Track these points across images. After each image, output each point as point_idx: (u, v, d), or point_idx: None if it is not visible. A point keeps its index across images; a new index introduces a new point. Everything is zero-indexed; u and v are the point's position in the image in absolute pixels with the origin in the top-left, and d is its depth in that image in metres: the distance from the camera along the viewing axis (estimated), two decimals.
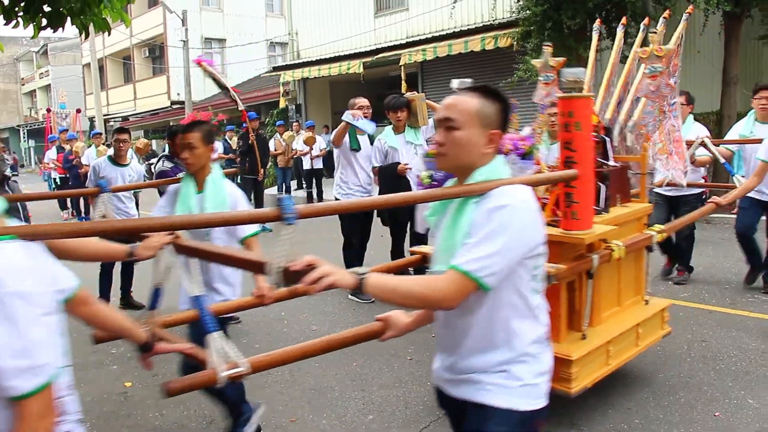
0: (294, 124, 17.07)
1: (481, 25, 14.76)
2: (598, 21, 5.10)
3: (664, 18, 4.59)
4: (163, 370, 4.86)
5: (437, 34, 15.66)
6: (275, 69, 21.45)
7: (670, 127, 4.54)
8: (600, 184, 3.88)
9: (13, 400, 1.50)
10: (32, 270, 1.57)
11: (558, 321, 3.52)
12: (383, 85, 19.60)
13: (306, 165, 15.00)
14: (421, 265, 3.61)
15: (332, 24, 19.43)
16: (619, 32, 4.89)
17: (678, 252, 6.75)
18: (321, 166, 15.18)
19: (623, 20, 5.06)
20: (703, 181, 6.74)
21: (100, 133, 14.30)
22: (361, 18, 18.56)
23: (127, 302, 6.86)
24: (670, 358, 4.73)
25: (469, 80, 3.94)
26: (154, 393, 4.58)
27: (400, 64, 15.68)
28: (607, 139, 4.15)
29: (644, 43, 4.53)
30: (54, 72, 42.58)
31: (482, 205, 1.92)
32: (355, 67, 17.05)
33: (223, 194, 3.58)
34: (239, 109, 8.82)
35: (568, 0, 10.83)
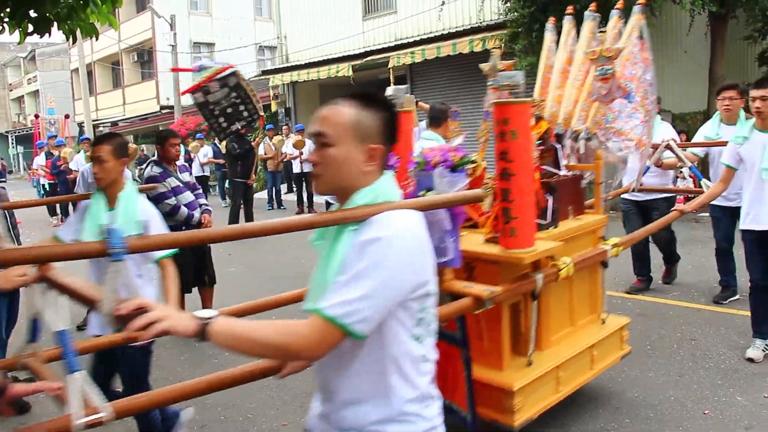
0: (284, 127, 17.06)
1: (468, 27, 14.79)
2: (551, 20, 4.68)
3: (618, 9, 4.26)
4: (154, 376, 4.85)
5: (425, 37, 15.69)
6: (264, 73, 21.44)
7: (648, 125, 4.23)
8: (548, 195, 3.59)
9: None
10: None
11: (500, 346, 3.29)
12: (372, 88, 19.64)
13: (296, 169, 14.98)
14: None
15: (321, 27, 19.43)
16: (566, 25, 4.45)
17: (663, 251, 6.74)
18: (310, 170, 15.16)
19: (569, 8, 4.56)
20: (672, 185, 6.65)
21: (89, 139, 14.24)
22: (349, 21, 18.57)
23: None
24: (660, 357, 4.75)
25: (403, 87, 3.71)
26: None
27: (389, 66, 15.72)
28: (558, 146, 3.88)
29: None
30: (42, 77, 42.36)
31: (357, 237, 1.63)
32: (344, 70, 17.06)
33: (135, 212, 3.38)
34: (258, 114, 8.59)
35: (554, 2, 10.88)
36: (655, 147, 5.21)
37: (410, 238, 1.63)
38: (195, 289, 6.16)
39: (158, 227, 3.43)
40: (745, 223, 4.69)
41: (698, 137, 6.17)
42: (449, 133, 5.72)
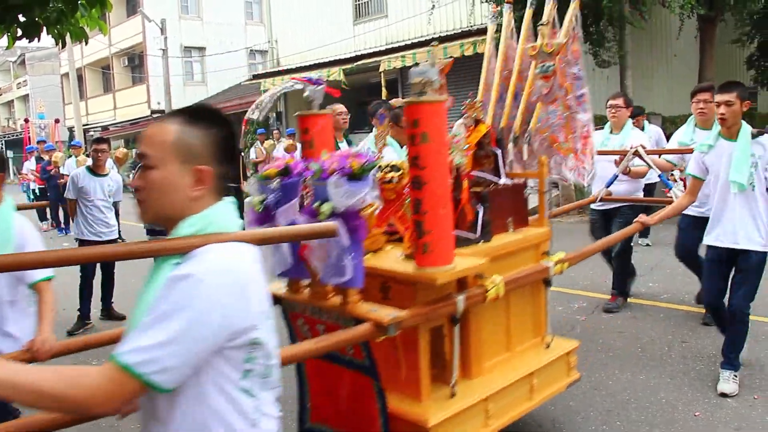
0: (274, 131, 17.05)
1: (459, 31, 14.85)
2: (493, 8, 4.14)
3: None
4: None
5: (416, 41, 15.73)
6: (255, 77, 21.43)
7: (578, 122, 3.78)
8: (479, 206, 3.20)
9: None
10: None
11: (418, 375, 2.84)
12: (364, 92, 19.65)
13: None
14: None
15: (312, 31, 19.46)
16: (506, 15, 4.01)
17: (614, 274, 6.12)
18: None
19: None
20: (641, 194, 6.25)
21: (80, 144, 14.19)
22: (340, 25, 18.60)
23: (109, 314, 6.81)
24: (651, 360, 4.77)
25: (321, 87, 3.27)
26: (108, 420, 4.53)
27: (380, 70, 15.74)
28: (499, 152, 3.51)
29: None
30: (32, 82, 42.17)
31: (171, 272, 1.42)
32: (335, 74, 17.07)
33: (9, 230, 3.09)
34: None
35: (543, 5, 10.92)
36: (623, 154, 5.07)
37: (229, 276, 1.42)
38: None
39: (36, 246, 3.12)
40: (707, 239, 4.30)
41: (672, 143, 5.76)
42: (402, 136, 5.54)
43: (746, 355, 4.59)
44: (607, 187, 5.20)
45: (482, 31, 13.82)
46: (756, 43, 13.83)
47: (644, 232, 8.64)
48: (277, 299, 2.97)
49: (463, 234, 3.10)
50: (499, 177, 3.47)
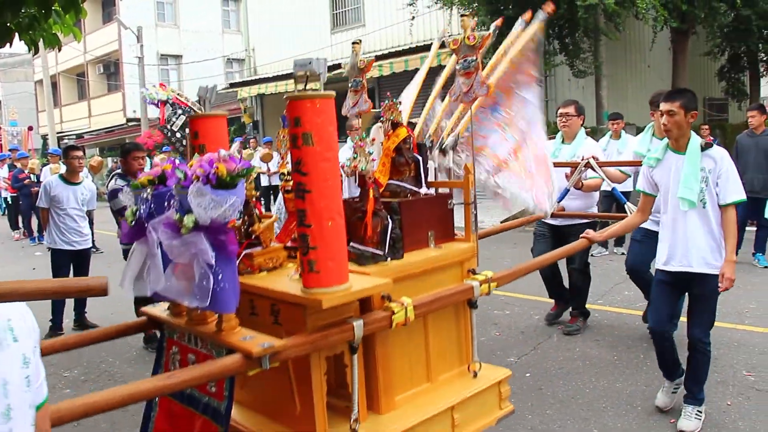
0: (251, 140, 16.96)
1: (437, 40, 14.94)
2: (499, 21, 4.08)
3: (497, 26, 3.73)
4: None
5: (393, 50, 15.78)
6: (232, 85, 21.34)
7: (531, 145, 3.60)
8: (387, 219, 2.79)
9: None
10: None
11: (311, 410, 2.45)
12: (341, 101, 19.65)
13: (264, 182, 14.91)
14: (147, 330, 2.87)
15: (289, 40, 19.43)
16: (517, 28, 3.75)
17: (572, 292, 5.79)
18: (279, 183, 15.07)
19: (527, 15, 3.76)
20: (596, 209, 5.89)
21: (58, 153, 14.03)
22: (318, 34, 18.60)
23: (81, 323, 6.70)
24: (627, 368, 4.79)
25: (214, 85, 3.02)
26: (109, 416, 4.46)
27: None
28: (420, 158, 3.17)
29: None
30: (4, 88, 41.54)
31: None
32: None
33: None
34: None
35: (518, 16, 11.03)
36: (574, 166, 4.90)
37: None
38: None
39: None
40: (658, 262, 3.91)
41: (628, 153, 5.63)
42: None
43: (719, 362, 4.65)
44: (559, 201, 4.92)
45: None
46: (727, 56, 14.10)
47: (619, 240, 8.72)
48: (157, 323, 2.74)
49: (369, 250, 2.72)
50: (420, 186, 3.12)
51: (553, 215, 4.79)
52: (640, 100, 13.04)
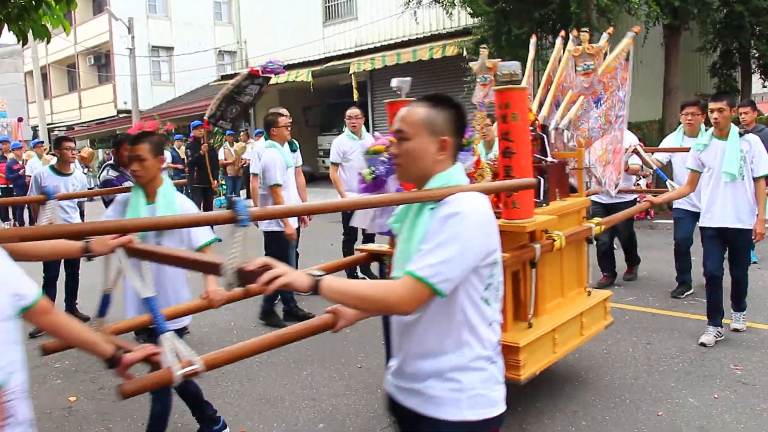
0: (242, 132, 16.88)
1: (429, 34, 14.91)
2: (533, 37, 5.43)
3: (608, 34, 4.74)
4: (109, 383, 4.77)
5: (386, 43, 15.75)
6: (224, 78, 21.27)
7: (613, 137, 4.69)
8: (539, 177, 3.92)
9: None
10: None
11: (503, 311, 3.28)
12: (333, 94, 19.61)
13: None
14: (367, 264, 3.69)
15: (281, 32, 19.36)
16: (558, 43, 5.08)
17: (626, 252, 7.26)
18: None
19: (562, 33, 5.14)
20: (635, 188, 7.11)
21: (42, 142, 13.93)
22: (310, 26, 18.55)
23: (73, 314, 6.67)
24: (616, 361, 4.83)
25: (408, 79, 4.00)
26: (100, 407, 4.46)
27: (350, 72, 15.71)
28: (544, 135, 4.23)
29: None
30: None
31: (437, 213, 1.92)
32: (304, 75, 17.01)
33: (173, 205, 3.54)
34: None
35: (515, 10, 11.02)
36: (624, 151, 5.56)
37: (481, 213, 1.93)
38: None
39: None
40: (703, 221, 5.17)
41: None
42: (283, 140, 6.11)
43: (707, 356, 4.71)
44: None
45: (452, 35, 13.92)
46: (719, 52, 14.14)
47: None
48: (377, 256, 3.78)
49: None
50: (546, 156, 4.17)
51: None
52: (633, 96, 13.08)
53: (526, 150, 3.50)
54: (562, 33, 5.11)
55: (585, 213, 4.43)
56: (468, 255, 1.87)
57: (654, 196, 5.35)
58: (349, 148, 7.25)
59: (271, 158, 5.90)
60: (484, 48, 4.93)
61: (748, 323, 5.41)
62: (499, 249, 2.01)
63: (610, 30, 4.89)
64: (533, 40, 5.35)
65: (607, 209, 6.56)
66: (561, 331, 3.85)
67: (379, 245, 3.94)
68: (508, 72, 3.51)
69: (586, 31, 4.51)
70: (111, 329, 2.44)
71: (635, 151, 5.92)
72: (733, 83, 14.74)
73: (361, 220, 3.97)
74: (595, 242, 4.63)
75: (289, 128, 6.26)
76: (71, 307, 6.72)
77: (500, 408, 2.02)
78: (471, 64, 4.50)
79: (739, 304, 5.32)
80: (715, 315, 5.14)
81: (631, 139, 6.09)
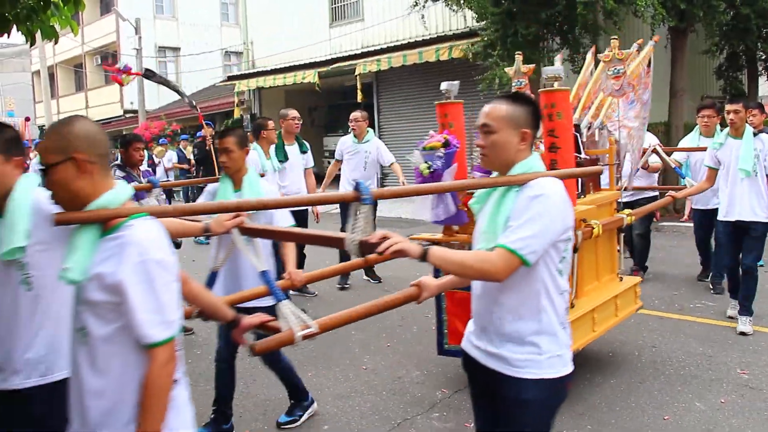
0: (248, 133, 16.88)
1: (435, 35, 14.89)
2: (592, 49, 5.87)
3: (638, 44, 5.19)
4: None
5: (392, 45, 15.74)
6: (230, 78, 21.27)
7: (638, 138, 5.23)
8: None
9: (146, 347, 1.85)
10: (165, 242, 1.94)
11: None
12: (339, 95, 19.61)
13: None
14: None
15: (287, 33, 19.37)
16: (589, 56, 5.64)
17: (635, 252, 7.35)
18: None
19: (593, 48, 5.76)
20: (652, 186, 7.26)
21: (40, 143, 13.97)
22: (316, 28, 18.55)
23: None
24: (621, 364, 4.81)
25: (456, 82, 4.47)
26: None
27: (356, 73, 15.70)
28: (578, 134, 4.57)
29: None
30: (2, 79, 41.41)
31: (522, 194, 2.22)
32: (310, 76, 17.02)
33: (259, 192, 3.84)
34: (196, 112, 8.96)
35: (522, 11, 10.99)
36: (643, 151, 5.89)
37: (560, 195, 2.22)
38: None
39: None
40: (721, 216, 5.57)
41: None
42: (268, 145, 6.47)
43: (714, 360, 4.70)
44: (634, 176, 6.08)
45: (459, 36, 13.90)
46: (725, 54, 14.08)
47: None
48: (434, 242, 4.10)
49: None
50: (580, 153, 4.51)
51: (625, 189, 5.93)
52: None
53: (570, 145, 3.94)
54: (594, 48, 5.70)
55: (616, 205, 4.81)
56: (550, 230, 2.16)
57: (675, 192, 5.69)
58: (348, 149, 7.42)
59: (249, 160, 6.23)
60: (519, 54, 5.40)
61: (755, 327, 5.39)
62: (573, 227, 2.30)
63: (640, 41, 5.27)
64: (590, 52, 5.77)
65: (627, 206, 6.65)
66: (599, 312, 4.23)
67: (432, 234, 4.52)
68: (553, 75, 3.95)
69: (615, 38, 4.95)
70: (227, 300, 2.74)
71: (654, 151, 6.22)
72: (740, 86, 14.67)
73: (420, 211, 4.42)
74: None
75: (298, 128, 6.77)
76: None
77: (571, 367, 2.33)
78: (507, 69, 4.99)
79: (746, 305, 5.45)
80: (737, 292, 5.58)
81: (650, 140, 6.40)
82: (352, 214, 2.20)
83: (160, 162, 16.30)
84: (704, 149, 5.86)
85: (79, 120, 2.02)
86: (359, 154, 7.33)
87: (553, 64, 11.34)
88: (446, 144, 3.99)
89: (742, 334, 5.29)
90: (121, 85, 8.55)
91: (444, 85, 4.46)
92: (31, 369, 2.40)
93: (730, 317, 5.61)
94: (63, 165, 1.90)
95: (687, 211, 8.45)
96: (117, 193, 1.97)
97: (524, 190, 2.22)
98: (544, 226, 2.14)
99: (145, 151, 8.48)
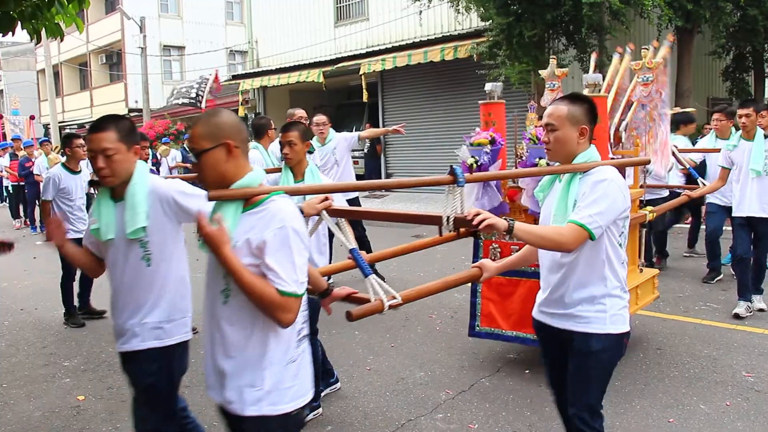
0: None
1: (440, 35, 14.87)
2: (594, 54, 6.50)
3: (653, 46, 5.48)
4: (118, 383, 4.78)
5: (397, 44, 15.73)
6: (235, 77, 21.29)
7: (659, 131, 5.43)
8: None
9: (278, 293, 2.05)
10: (300, 215, 2.17)
11: None
12: (344, 94, 19.61)
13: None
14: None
15: (292, 33, 19.38)
16: (615, 58, 5.87)
17: (656, 243, 7.92)
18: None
19: (618, 49, 5.89)
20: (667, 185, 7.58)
21: (49, 140, 13.98)
22: (321, 27, 18.55)
23: (87, 309, 6.78)
24: (626, 366, 4.78)
25: (500, 84, 5.00)
26: (108, 406, 4.47)
27: (360, 73, 15.69)
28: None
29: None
30: (7, 77, 41.48)
31: (586, 180, 2.67)
32: (315, 75, 17.01)
33: (320, 182, 4.07)
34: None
35: (527, 12, 10.97)
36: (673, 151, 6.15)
37: (620, 180, 2.68)
38: None
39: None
40: (735, 211, 6.00)
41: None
42: (269, 143, 6.43)
43: (719, 363, 4.68)
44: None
45: (464, 37, 13.88)
46: (732, 56, 14.04)
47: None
48: (472, 232, 4.30)
49: None
50: (607, 153, 4.67)
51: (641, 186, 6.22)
52: None
53: (605, 147, 4.32)
54: (619, 49, 5.85)
55: (638, 203, 5.01)
56: (613, 209, 2.60)
57: (690, 191, 5.90)
58: (316, 156, 7.20)
59: (252, 159, 6.26)
60: (554, 58, 5.71)
61: (760, 330, 5.37)
62: (629, 207, 2.71)
63: (655, 43, 5.54)
64: (617, 53, 6.02)
65: (647, 205, 7.01)
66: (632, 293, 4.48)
67: (431, 236, 4.72)
68: (593, 82, 4.45)
69: (647, 48, 5.30)
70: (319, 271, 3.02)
71: (672, 152, 6.37)
72: (746, 87, 14.62)
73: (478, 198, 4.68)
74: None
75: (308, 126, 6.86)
76: (86, 303, 6.79)
77: (629, 325, 2.78)
78: (541, 72, 5.29)
79: (758, 286, 6.04)
80: (744, 291, 5.92)
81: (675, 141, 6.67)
82: (447, 194, 2.63)
83: (163, 161, 16.31)
84: (717, 150, 6.30)
85: (225, 111, 2.25)
86: (327, 155, 7.30)
87: (561, 66, 11.40)
88: (492, 141, 4.48)
89: (761, 310, 5.91)
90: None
91: (488, 86, 4.90)
92: (148, 334, 2.76)
93: (737, 315, 5.78)
94: (215, 150, 2.13)
95: (688, 216, 8.75)
96: (256, 174, 2.21)
97: (588, 177, 2.67)
98: (608, 205, 2.58)
99: (150, 149, 8.47)
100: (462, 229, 2.62)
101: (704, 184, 6.11)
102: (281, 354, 2.18)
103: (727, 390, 4.34)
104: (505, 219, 2.47)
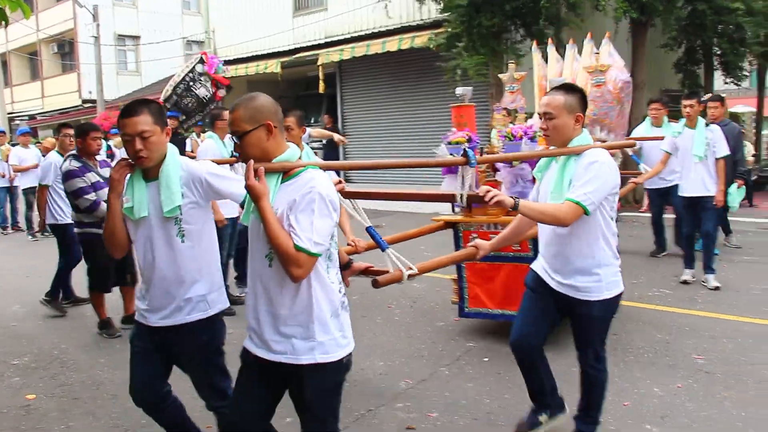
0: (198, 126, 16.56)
1: (399, 26, 14.84)
2: (535, 42, 6.83)
3: (607, 38, 6.19)
4: (70, 380, 4.68)
5: (356, 35, 15.65)
6: None
7: (626, 110, 6.29)
8: None
9: (295, 247, 2.23)
10: (331, 185, 2.39)
11: None
12: (302, 85, 19.43)
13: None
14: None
15: (250, 23, 19.11)
16: (569, 50, 6.41)
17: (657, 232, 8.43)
18: None
19: (549, 40, 6.62)
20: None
21: (3, 132, 13.56)
22: (279, 17, 18.33)
23: (74, 299, 6.89)
24: None
25: (470, 88, 5.41)
26: (60, 404, 4.35)
27: (318, 63, 15.58)
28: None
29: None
30: None
31: (581, 161, 3.05)
32: (273, 66, 16.83)
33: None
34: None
35: (486, 3, 11.02)
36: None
37: (610, 161, 3.05)
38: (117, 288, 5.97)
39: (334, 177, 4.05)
40: (681, 192, 6.65)
41: (633, 136, 7.90)
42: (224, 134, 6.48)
43: (670, 348, 4.79)
44: None
45: (422, 27, 13.87)
46: (683, 48, 14.32)
47: None
48: (452, 224, 5.04)
49: None
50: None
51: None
52: None
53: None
54: (550, 40, 6.37)
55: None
56: (605, 187, 2.98)
57: (635, 178, 6.23)
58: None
59: (205, 147, 6.40)
60: (512, 63, 6.17)
61: (710, 314, 5.52)
62: (619, 184, 3.10)
63: (608, 35, 6.16)
64: (534, 46, 6.70)
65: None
66: None
67: (453, 215, 5.24)
68: (463, 94, 5.07)
69: (597, 53, 5.85)
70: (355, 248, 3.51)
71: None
72: (697, 79, 14.94)
73: (450, 187, 4.79)
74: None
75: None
76: (71, 292, 6.92)
77: (622, 287, 3.22)
78: (500, 75, 5.85)
79: (709, 264, 6.57)
80: (689, 262, 6.77)
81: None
82: (459, 175, 3.12)
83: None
84: (657, 138, 6.96)
85: (262, 95, 2.42)
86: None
87: (518, 57, 11.50)
88: (469, 139, 4.77)
89: (716, 288, 6.39)
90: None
91: (459, 90, 5.29)
92: (192, 307, 2.89)
93: (684, 281, 6.69)
94: (257, 130, 2.33)
95: (645, 203, 8.83)
96: (293, 150, 2.43)
97: (582, 158, 3.04)
98: (600, 184, 2.95)
99: (103, 141, 8.31)
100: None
101: (646, 170, 6.57)
102: (327, 307, 2.40)
103: (679, 373, 4.45)
104: (512, 197, 2.80)
